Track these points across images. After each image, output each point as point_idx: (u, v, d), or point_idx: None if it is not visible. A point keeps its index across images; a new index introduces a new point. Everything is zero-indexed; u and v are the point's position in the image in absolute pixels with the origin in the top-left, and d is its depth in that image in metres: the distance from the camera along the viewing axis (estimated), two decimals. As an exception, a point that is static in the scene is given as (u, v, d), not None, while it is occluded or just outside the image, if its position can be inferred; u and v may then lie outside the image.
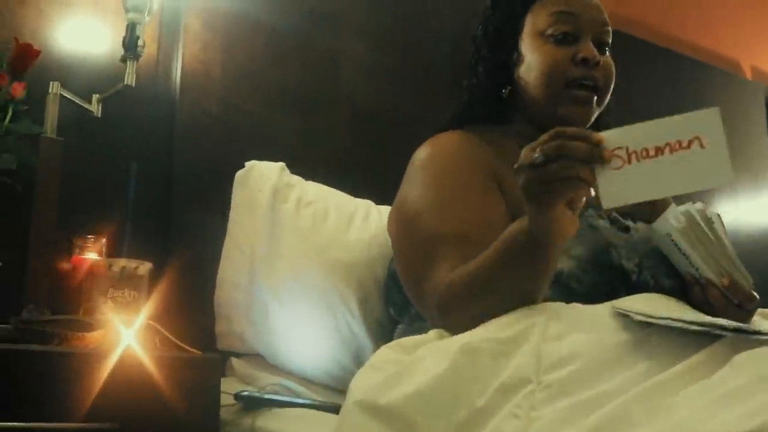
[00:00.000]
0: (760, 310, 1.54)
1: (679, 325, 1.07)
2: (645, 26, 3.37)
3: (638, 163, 1.11)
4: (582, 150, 1.11)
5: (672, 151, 1.11)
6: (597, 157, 1.11)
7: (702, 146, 1.11)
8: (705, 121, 1.12)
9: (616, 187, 1.12)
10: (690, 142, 1.11)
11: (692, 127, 1.12)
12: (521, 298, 1.25)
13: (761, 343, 1.02)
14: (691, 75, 3.43)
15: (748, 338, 1.04)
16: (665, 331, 1.09)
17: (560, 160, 1.11)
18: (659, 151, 1.11)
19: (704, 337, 1.07)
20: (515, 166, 1.17)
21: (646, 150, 1.11)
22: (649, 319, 1.09)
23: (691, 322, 1.07)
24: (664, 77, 3.30)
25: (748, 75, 3.83)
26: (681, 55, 3.42)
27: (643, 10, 3.43)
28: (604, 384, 1.05)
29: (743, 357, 1.01)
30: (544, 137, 1.14)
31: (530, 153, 1.14)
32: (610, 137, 1.12)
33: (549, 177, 1.12)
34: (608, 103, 1.69)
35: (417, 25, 2.57)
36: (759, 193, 3.59)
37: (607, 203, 1.13)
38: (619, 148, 1.12)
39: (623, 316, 1.14)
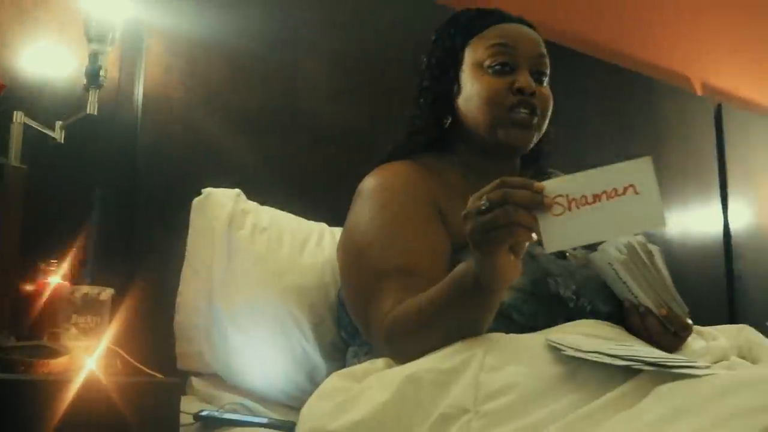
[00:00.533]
0: (695, 328, 1.64)
1: (606, 360, 1.15)
2: (595, 43, 3.44)
3: (578, 210, 1.19)
4: (524, 197, 1.19)
5: (609, 198, 1.19)
6: (539, 204, 1.19)
7: (636, 192, 1.19)
8: (638, 169, 1.20)
9: (558, 232, 1.20)
10: (625, 189, 1.19)
11: (627, 176, 1.20)
12: (464, 334, 1.32)
13: (678, 377, 1.11)
14: (643, 91, 3.52)
15: (668, 372, 1.12)
16: (593, 363, 1.17)
17: (504, 206, 1.19)
18: (597, 198, 1.19)
19: (629, 370, 1.15)
20: (462, 213, 1.24)
21: (585, 197, 1.19)
22: (578, 354, 1.18)
23: (616, 356, 1.15)
24: (615, 94, 3.39)
25: (699, 91, 3.91)
26: (632, 72, 3.50)
27: (593, 26, 3.49)
28: (536, 414, 1.14)
29: (662, 389, 1.09)
30: (488, 187, 1.22)
31: (477, 201, 1.22)
32: (550, 186, 1.20)
33: (493, 223, 1.19)
34: (548, 132, 1.77)
35: (373, 48, 2.63)
36: (708, 203, 3.70)
37: (549, 247, 1.21)
38: (560, 195, 1.20)
39: (556, 349, 1.23)
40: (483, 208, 1.20)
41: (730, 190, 3.77)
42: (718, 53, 4.03)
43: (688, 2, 3.87)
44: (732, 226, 3.75)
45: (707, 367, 1.15)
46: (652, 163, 1.20)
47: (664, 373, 1.12)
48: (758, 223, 3.90)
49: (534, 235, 1.21)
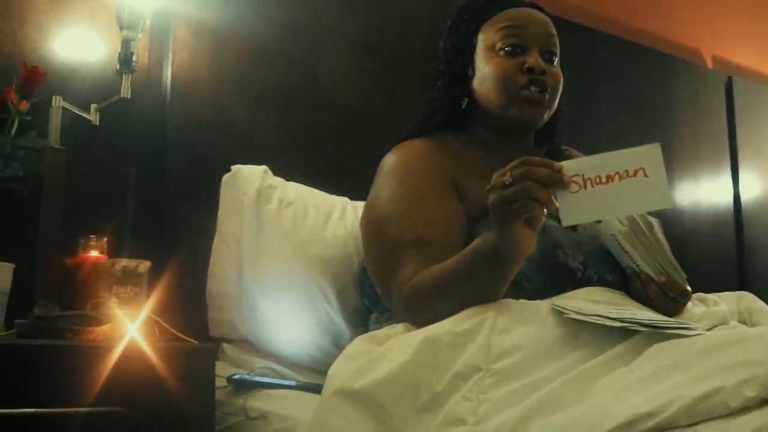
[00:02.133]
0: (697, 294, 1.74)
1: (604, 321, 1.26)
2: (606, 19, 3.48)
3: (592, 188, 1.31)
4: (545, 175, 1.30)
5: (621, 179, 1.30)
6: (557, 181, 1.30)
7: (646, 175, 1.30)
8: (648, 154, 1.31)
9: (574, 208, 1.32)
10: (636, 172, 1.30)
11: (637, 159, 1.31)
12: (480, 301, 1.43)
13: (671, 337, 1.22)
14: (654, 65, 3.56)
15: (661, 332, 1.23)
16: (594, 325, 1.28)
17: (525, 182, 1.30)
18: (610, 178, 1.30)
19: (626, 332, 1.26)
20: (487, 187, 1.35)
21: (599, 177, 1.31)
22: (579, 317, 1.29)
23: (614, 319, 1.26)
24: (626, 69, 3.44)
25: (709, 64, 3.95)
26: (643, 47, 3.54)
27: (604, 2, 3.54)
28: (542, 372, 1.25)
29: (654, 348, 1.20)
30: (512, 164, 1.33)
31: (500, 176, 1.33)
32: (568, 166, 1.32)
33: (514, 197, 1.30)
34: (560, 109, 1.86)
35: (391, 31, 2.71)
36: (718, 176, 3.76)
37: (566, 221, 1.33)
38: (577, 175, 1.31)
39: (560, 313, 1.34)
40: (506, 182, 1.31)
41: (741, 161, 3.83)
42: (728, 26, 4.06)
43: (699, -24, 3.92)
44: (742, 197, 3.81)
45: (696, 329, 1.26)
46: (661, 149, 1.30)
47: (657, 334, 1.23)
48: (768, 193, 3.98)
49: (546, 211, 1.32)
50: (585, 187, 1.31)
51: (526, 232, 1.35)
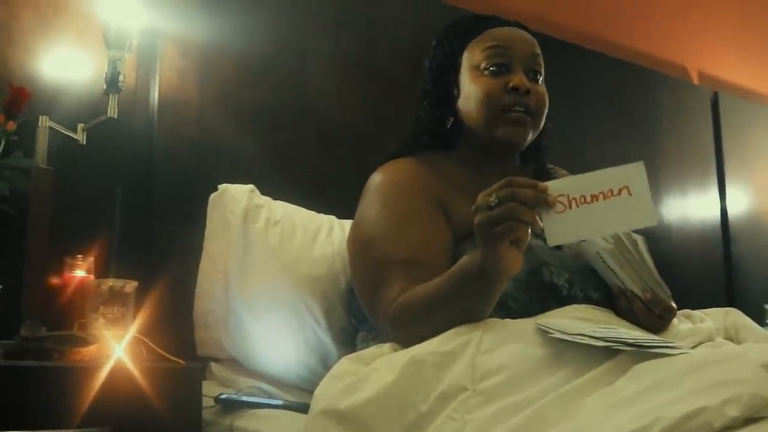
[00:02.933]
0: (684, 311, 1.75)
1: (588, 341, 1.27)
2: (592, 36, 3.51)
3: (578, 208, 1.32)
4: (530, 195, 1.31)
5: (605, 197, 1.31)
6: (542, 201, 1.31)
7: (630, 194, 1.31)
8: (632, 173, 1.32)
9: (560, 228, 1.32)
10: (620, 190, 1.31)
11: (622, 178, 1.32)
12: (466, 320, 1.43)
13: (655, 356, 1.23)
14: (640, 82, 3.60)
15: (645, 351, 1.24)
16: (579, 344, 1.29)
17: (510, 203, 1.30)
18: (594, 197, 1.32)
19: (610, 351, 1.26)
20: (473, 207, 1.36)
21: (584, 197, 1.32)
22: (564, 336, 1.29)
23: (598, 338, 1.26)
24: (613, 86, 3.47)
25: (696, 80, 3.98)
26: (629, 63, 3.57)
27: (589, 19, 3.57)
28: (527, 391, 1.25)
29: (638, 368, 1.21)
30: (497, 185, 1.33)
31: (486, 197, 1.34)
32: (553, 186, 1.33)
33: (500, 218, 1.31)
34: (546, 127, 1.86)
35: (378, 49, 2.73)
36: (705, 190, 3.79)
37: (551, 241, 1.34)
38: (562, 195, 1.32)
39: (545, 332, 1.34)
40: (492, 203, 1.32)
41: (727, 177, 3.86)
42: (714, 42, 4.09)
43: (684, -8, 3.94)
44: (729, 212, 3.84)
45: (681, 347, 1.27)
46: (644, 167, 1.32)
47: (641, 353, 1.24)
48: (754, 208, 3.99)
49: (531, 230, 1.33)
50: (570, 207, 1.32)
51: (512, 252, 1.35)
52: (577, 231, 1.34)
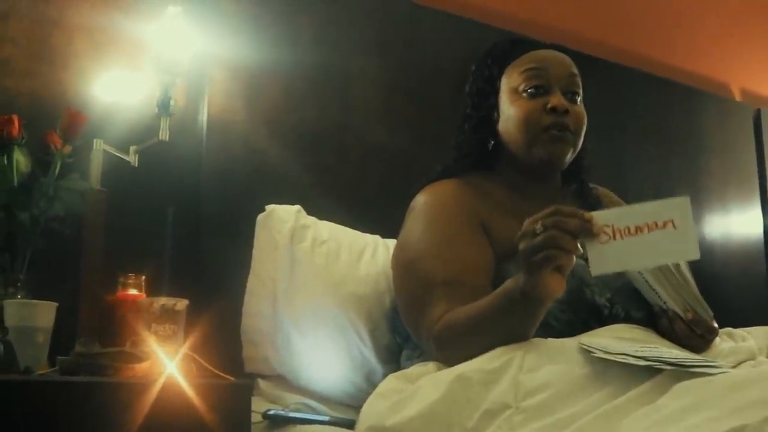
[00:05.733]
0: (726, 329, 1.76)
1: (630, 360, 1.29)
2: (634, 55, 3.51)
3: (622, 239, 1.35)
4: (575, 225, 1.35)
5: (650, 230, 1.34)
6: (587, 231, 1.35)
7: (674, 227, 1.33)
8: (677, 206, 1.35)
9: (603, 258, 1.36)
10: (665, 224, 1.34)
11: (667, 211, 1.34)
12: (509, 341, 1.46)
13: (696, 375, 1.25)
14: (682, 100, 3.58)
15: (686, 370, 1.26)
16: (620, 364, 1.31)
17: (555, 230, 1.34)
18: (639, 230, 1.34)
19: (652, 370, 1.29)
20: (518, 234, 1.39)
21: (629, 228, 1.35)
22: (606, 356, 1.32)
23: (640, 357, 1.29)
24: (654, 104, 3.46)
25: (738, 97, 3.96)
26: (671, 81, 3.56)
27: (632, 38, 3.56)
28: (570, 409, 1.28)
29: (679, 387, 1.23)
30: (544, 212, 1.37)
31: (532, 224, 1.37)
32: (598, 216, 1.36)
33: (544, 245, 1.34)
34: (585, 147, 1.90)
35: (422, 72, 2.76)
36: (748, 207, 3.76)
37: (594, 271, 1.37)
38: (606, 225, 1.35)
39: (587, 351, 1.37)
40: (537, 231, 1.35)
41: (771, 193, 3.84)
42: (756, 59, 4.06)
43: (726, 9, 3.93)
44: (773, 229, 3.81)
45: (722, 366, 1.29)
46: (689, 202, 1.34)
47: (682, 372, 1.26)
48: (798, 224, 3.95)
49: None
50: (614, 238, 1.35)
51: (556, 277, 1.38)
52: (620, 262, 1.37)
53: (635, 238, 1.34)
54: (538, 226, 1.35)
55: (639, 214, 1.35)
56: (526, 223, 1.39)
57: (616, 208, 1.39)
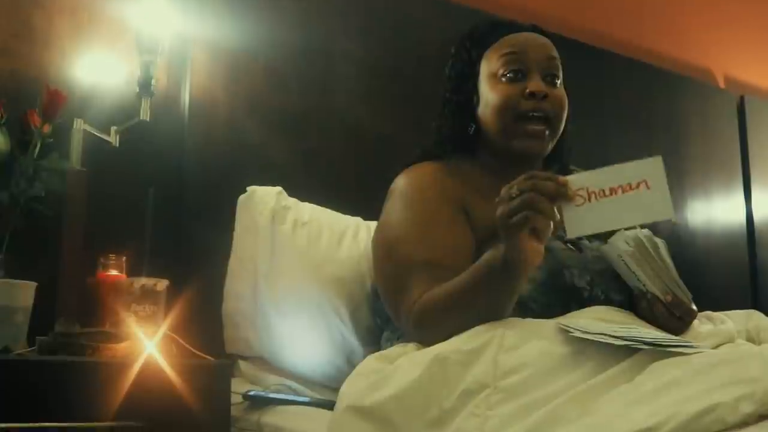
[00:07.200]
0: (705, 313, 1.77)
1: (608, 340, 1.30)
2: (617, 40, 3.51)
3: (597, 201, 1.36)
4: (550, 188, 1.35)
5: (624, 191, 1.35)
6: (562, 194, 1.35)
7: (648, 187, 1.35)
8: (650, 167, 1.36)
9: (579, 221, 1.37)
10: (639, 184, 1.35)
11: (640, 173, 1.36)
12: (488, 318, 1.46)
13: (673, 354, 1.26)
14: (665, 86, 3.60)
15: (663, 350, 1.27)
16: (599, 343, 1.32)
17: (531, 193, 1.34)
18: (613, 191, 1.36)
19: (629, 349, 1.29)
20: (496, 200, 1.40)
21: (603, 190, 1.36)
22: (584, 335, 1.32)
23: (618, 337, 1.29)
24: (638, 90, 3.48)
25: (721, 84, 3.97)
26: (654, 67, 3.57)
27: (615, 24, 3.56)
28: (548, 388, 1.29)
29: (657, 365, 1.24)
30: (520, 178, 1.38)
31: (509, 189, 1.38)
32: (573, 180, 1.37)
33: (520, 207, 1.35)
34: (567, 130, 1.88)
35: (404, 54, 2.76)
36: (730, 195, 3.79)
37: (571, 233, 1.38)
38: (581, 188, 1.36)
39: (566, 332, 1.37)
40: (513, 195, 1.36)
41: (753, 181, 3.85)
42: (740, 46, 4.08)
43: (709, -6, 3.94)
44: (755, 216, 3.83)
45: (697, 347, 1.30)
46: (662, 162, 1.35)
47: (659, 352, 1.27)
48: (781, 212, 3.98)
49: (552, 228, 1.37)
50: (589, 200, 1.36)
51: (533, 243, 1.38)
52: (595, 223, 1.37)
53: (610, 200, 1.35)
54: (514, 190, 1.36)
55: (613, 176, 1.36)
56: (503, 190, 1.39)
57: (590, 171, 1.38)
